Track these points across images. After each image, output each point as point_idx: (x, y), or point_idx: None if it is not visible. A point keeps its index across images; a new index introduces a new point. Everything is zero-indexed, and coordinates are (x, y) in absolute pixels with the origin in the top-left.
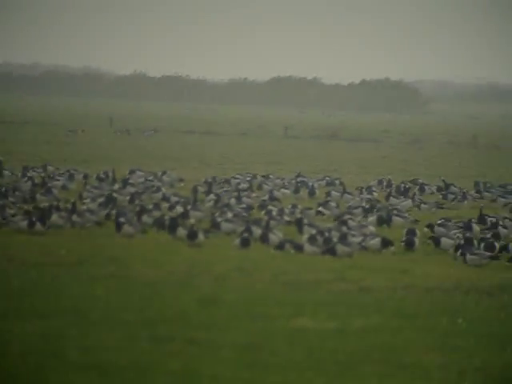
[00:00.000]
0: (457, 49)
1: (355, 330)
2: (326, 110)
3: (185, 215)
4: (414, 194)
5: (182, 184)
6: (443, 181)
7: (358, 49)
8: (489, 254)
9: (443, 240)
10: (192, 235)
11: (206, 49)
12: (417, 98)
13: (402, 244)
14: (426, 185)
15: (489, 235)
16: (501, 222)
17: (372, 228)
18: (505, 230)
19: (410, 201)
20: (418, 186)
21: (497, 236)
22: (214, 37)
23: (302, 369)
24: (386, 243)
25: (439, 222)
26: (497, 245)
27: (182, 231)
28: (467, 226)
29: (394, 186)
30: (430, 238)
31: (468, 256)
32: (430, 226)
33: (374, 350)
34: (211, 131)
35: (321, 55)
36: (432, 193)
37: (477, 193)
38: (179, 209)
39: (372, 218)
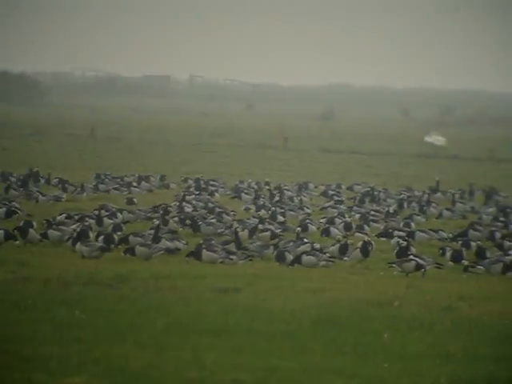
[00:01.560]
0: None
1: None
2: None
3: None
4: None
5: None
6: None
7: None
8: (100, 245)
9: (50, 232)
10: None
11: None
12: (36, 90)
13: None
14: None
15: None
16: (119, 214)
17: None
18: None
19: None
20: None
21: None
22: None
23: None
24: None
25: (59, 216)
26: (116, 237)
27: None
28: (82, 219)
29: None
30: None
31: (83, 247)
32: (48, 222)
33: None
34: None
35: None
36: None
37: (95, 185)
38: None
39: None
